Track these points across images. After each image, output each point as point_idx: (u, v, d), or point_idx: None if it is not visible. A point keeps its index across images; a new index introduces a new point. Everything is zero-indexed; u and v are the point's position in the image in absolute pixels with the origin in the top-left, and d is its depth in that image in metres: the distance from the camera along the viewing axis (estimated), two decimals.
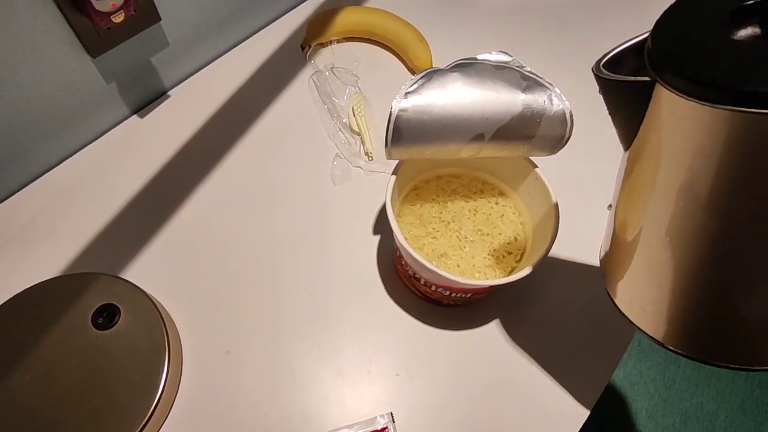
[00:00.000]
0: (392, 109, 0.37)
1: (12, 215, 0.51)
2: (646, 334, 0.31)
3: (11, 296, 0.42)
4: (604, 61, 0.28)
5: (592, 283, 0.49)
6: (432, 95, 0.38)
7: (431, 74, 0.38)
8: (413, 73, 0.62)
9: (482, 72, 0.39)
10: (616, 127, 0.30)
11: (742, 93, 0.21)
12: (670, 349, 0.30)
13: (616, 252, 0.33)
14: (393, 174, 0.42)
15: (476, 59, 0.40)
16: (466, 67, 0.39)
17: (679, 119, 0.23)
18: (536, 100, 0.39)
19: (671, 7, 0.26)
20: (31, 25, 0.45)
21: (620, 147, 0.31)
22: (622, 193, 0.31)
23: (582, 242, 0.52)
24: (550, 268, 0.50)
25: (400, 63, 0.63)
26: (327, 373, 0.44)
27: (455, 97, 0.38)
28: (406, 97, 0.37)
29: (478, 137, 0.39)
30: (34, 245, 0.49)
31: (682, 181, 0.25)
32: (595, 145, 0.53)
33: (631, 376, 0.70)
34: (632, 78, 0.26)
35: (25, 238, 0.50)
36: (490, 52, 0.41)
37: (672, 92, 0.23)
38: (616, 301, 0.34)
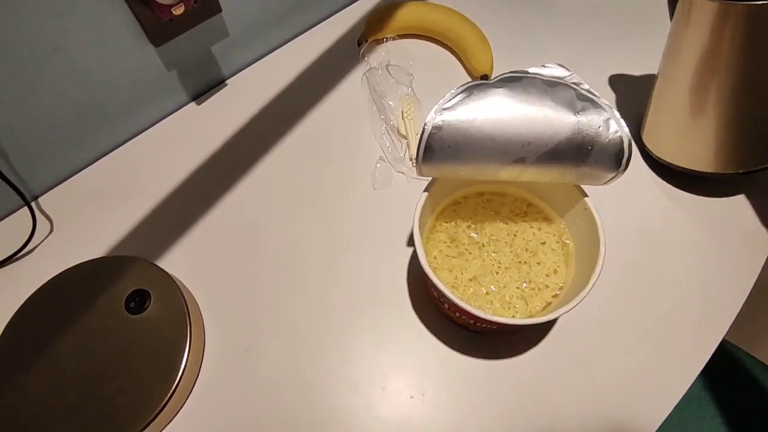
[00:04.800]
0: (425, 126, 0.35)
1: (74, 193, 0.55)
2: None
3: (61, 271, 0.46)
4: None
5: (638, 327, 0.45)
6: (470, 113, 0.35)
7: (472, 89, 0.35)
8: (472, 76, 0.58)
9: (530, 89, 0.35)
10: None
11: None
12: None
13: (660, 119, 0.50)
14: (425, 191, 0.39)
15: (527, 73, 0.36)
16: (513, 82, 0.35)
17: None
18: (590, 124, 0.35)
19: None
20: (100, 15, 0.48)
21: None
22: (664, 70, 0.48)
23: (621, 281, 0.47)
24: (598, 304, 0.45)
25: (459, 64, 0.60)
26: (340, 384, 0.43)
27: (496, 116, 0.35)
28: (441, 113, 0.35)
29: (519, 161, 0.36)
30: (84, 226, 0.52)
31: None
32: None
33: (689, 424, 0.64)
34: None
35: (80, 216, 0.53)
36: (544, 65, 0.37)
37: None
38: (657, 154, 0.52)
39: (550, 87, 0.35)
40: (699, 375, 0.42)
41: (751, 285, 0.47)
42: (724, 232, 0.50)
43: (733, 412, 0.62)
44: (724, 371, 0.65)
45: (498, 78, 0.36)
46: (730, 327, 0.45)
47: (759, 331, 0.81)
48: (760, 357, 0.67)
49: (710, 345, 0.44)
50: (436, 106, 0.35)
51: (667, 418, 0.41)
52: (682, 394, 0.42)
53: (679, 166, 0.50)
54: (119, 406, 0.40)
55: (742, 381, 0.65)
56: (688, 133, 0.48)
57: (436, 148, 0.35)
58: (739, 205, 0.51)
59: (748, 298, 0.46)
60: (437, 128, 0.35)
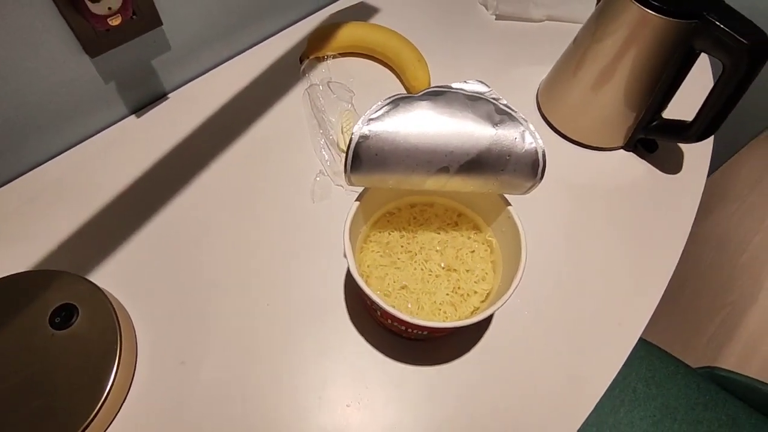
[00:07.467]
0: (353, 135, 0.36)
1: (3, 202, 0.52)
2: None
3: None
4: None
5: (564, 329, 0.47)
6: (395, 124, 0.36)
7: (398, 101, 0.37)
8: (410, 93, 0.60)
9: (453, 102, 0.37)
10: None
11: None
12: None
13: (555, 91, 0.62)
14: (357, 200, 0.41)
15: (450, 88, 0.38)
16: (436, 95, 0.37)
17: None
18: (507, 135, 0.37)
19: None
20: (31, 23, 0.47)
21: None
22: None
23: (551, 286, 0.49)
24: (526, 308, 0.47)
25: (398, 81, 0.62)
26: (278, 395, 0.43)
27: (419, 127, 0.36)
28: (368, 124, 0.36)
29: (443, 170, 0.37)
30: (12, 238, 0.50)
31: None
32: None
33: (621, 425, 0.66)
34: None
35: (8, 226, 0.51)
36: (466, 81, 0.39)
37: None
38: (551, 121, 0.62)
39: (471, 101, 0.37)
40: (630, 379, 0.45)
41: (666, 283, 0.50)
42: (638, 234, 0.53)
43: (662, 412, 0.66)
44: (649, 374, 0.69)
45: (423, 92, 0.38)
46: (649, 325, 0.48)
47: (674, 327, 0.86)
48: (673, 352, 0.72)
49: (629, 341, 0.47)
50: (363, 117, 0.36)
51: (602, 419, 0.43)
52: (605, 389, 0.44)
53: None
54: (41, 425, 0.38)
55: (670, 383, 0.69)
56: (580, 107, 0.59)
57: (364, 157, 0.36)
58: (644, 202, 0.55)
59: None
60: (364, 137, 0.36)
